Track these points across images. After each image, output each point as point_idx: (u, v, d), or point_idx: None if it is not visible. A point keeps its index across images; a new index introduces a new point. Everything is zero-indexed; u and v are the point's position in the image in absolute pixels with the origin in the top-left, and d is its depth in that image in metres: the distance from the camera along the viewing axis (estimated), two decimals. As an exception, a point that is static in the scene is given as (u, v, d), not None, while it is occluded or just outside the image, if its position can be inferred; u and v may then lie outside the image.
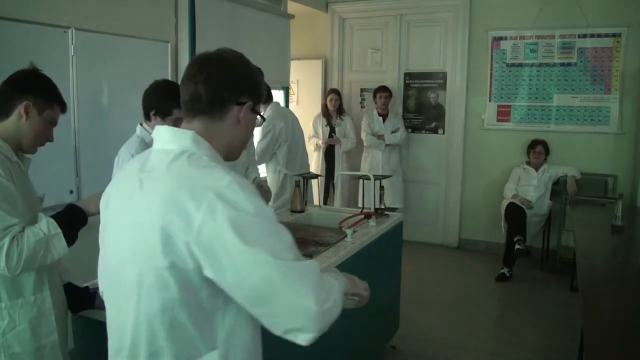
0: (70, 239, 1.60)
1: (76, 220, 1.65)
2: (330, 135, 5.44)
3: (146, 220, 1.04)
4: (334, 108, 5.45)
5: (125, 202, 1.12)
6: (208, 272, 1.02)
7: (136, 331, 1.08)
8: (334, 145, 5.45)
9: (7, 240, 1.46)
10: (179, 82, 1.24)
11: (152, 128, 2.38)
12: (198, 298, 1.05)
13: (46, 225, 1.54)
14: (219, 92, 1.14)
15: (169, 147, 1.11)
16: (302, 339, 1.03)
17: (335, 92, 5.56)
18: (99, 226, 1.23)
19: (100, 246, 1.22)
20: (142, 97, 2.32)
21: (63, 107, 1.69)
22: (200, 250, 1.00)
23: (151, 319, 1.06)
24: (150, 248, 1.03)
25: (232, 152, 1.22)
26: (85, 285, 1.88)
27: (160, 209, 1.02)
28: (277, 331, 1.04)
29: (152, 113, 2.34)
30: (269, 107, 3.99)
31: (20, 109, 1.58)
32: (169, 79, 3.63)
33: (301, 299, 1.01)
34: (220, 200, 1.00)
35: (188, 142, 1.11)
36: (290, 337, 1.04)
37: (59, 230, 1.56)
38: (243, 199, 1.02)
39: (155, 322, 1.06)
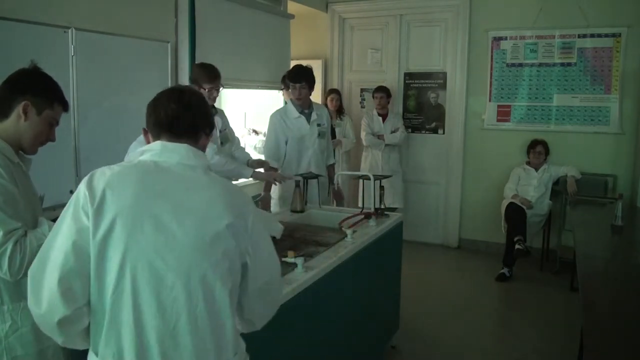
0: None
1: None
2: (331, 135, 5.42)
3: (214, 215, 1.24)
4: (334, 108, 5.44)
5: (162, 204, 1.22)
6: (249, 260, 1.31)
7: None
8: (334, 146, 5.45)
9: (10, 245, 1.45)
10: (179, 84, 1.30)
11: None
12: None
13: (48, 229, 1.52)
14: (201, 122, 1.36)
15: (190, 163, 1.30)
16: None
17: (336, 92, 5.56)
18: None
19: (123, 242, 1.18)
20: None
21: (65, 106, 1.66)
22: (250, 245, 1.29)
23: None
24: (219, 236, 1.22)
25: None
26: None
27: (225, 211, 1.24)
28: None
29: None
30: None
31: (18, 109, 1.56)
32: (169, 79, 3.64)
33: None
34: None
35: (205, 160, 1.35)
36: None
37: None
38: None
39: None
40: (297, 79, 3.55)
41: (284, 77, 4.30)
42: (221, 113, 3.40)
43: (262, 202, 3.60)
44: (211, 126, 1.42)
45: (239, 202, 1.31)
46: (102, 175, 1.25)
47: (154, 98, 1.35)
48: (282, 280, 1.60)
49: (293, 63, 5.24)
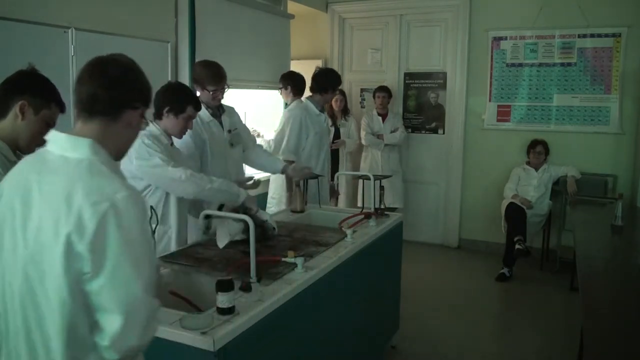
0: None
1: None
2: (336, 136, 5.40)
3: (50, 222, 1.11)
4: (339, 108, 5.41)
5: (20, 202, 1.17)
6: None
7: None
8: (338, 146, 5.43)
9: None
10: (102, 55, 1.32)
11: (163, 126, 2.44)
12: None
13: None
14: (117, 94, 1.23)
15: (69, 155, 1.17)
16: None
17: (341, 92, 5.51)
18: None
19: None
20: (154, 96, 2.37)
21: (62, 108, 1.69)
22: (91, 253, 1.09)
23: None
24: (52, 249, 1.10)
25: (121, 154, 1.31)
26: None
27: (62, 212, 1.10)
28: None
29: (165, 110, 2.40)
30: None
31: (16, 108, 1.59)
32: (169, 79, 3.64)
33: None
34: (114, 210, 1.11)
35: (87, 150, 1.18)
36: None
37: None
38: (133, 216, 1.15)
39: None
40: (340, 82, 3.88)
41: (284, 77, 4.27)
42: (230, 111, 3.12)
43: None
44: (142, 97, 1.28)
45: (85, 202, 1.10)
46: (11, 170, 1.28)
47: (80, 70, 1.27)
48: (146, 310, 1.17)
49: (293, 63, 5.27)
